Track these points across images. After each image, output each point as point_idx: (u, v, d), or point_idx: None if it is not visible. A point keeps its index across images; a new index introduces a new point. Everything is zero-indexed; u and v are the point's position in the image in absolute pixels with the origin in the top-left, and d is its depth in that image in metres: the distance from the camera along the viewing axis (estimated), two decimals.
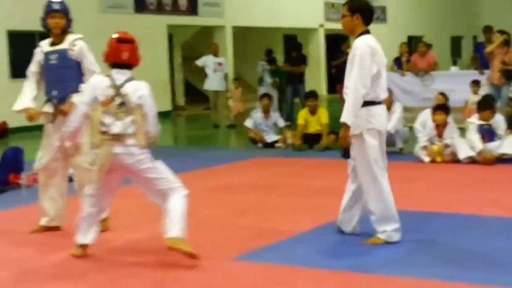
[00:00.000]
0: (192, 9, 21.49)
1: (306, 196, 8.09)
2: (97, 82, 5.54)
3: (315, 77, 25.38)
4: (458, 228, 6.31)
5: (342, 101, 17.42)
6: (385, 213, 5.78)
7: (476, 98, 12.55)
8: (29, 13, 16.86)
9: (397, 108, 11.21)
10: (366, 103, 5.59)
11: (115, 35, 5.56)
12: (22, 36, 17.03)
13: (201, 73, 17.59)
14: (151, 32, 19.62)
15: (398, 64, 15.92)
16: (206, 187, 8.65)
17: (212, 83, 16.68)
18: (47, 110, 6.46)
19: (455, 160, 10.00)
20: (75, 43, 6.51)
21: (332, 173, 9.51)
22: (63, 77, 6.45)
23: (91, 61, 6.48)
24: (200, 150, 12.74)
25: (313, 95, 12.49)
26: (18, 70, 16.91)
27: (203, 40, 21.76)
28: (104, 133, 5.38)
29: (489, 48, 13.30)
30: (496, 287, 4.73)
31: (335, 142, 11.95)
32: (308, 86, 17.37)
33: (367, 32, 5.77)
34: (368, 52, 5.58)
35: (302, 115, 12.31)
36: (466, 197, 7.79)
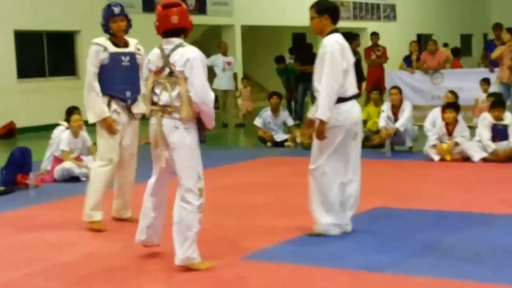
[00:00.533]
0: (201, 8, 21.46)
1: None
2: (150, 55, 5.33)
3: None
4: (468, 227, 6.27)
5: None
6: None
7: (485, 96, 12.49)
8: (36, 13, 16.91)
9: (407, 107, 11.18)
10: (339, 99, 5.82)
11: (160, 3, 5.30)
12: (29, 36, 17.07)
13: (210, 72, 17.54)
14: None
15: (408, 62, 15.86)
16: (216, 186, 8.61)
17: (221, 83, 16.64)
18: (119, 110, 6.59)
19: (465, 158, 9.95)
20: (138, 47, 6.74)
21: None
22: (135, 79, 6.60)
23: None
24: (209, 149, 12.69)
25: None
26: (25, 70, 16.96)
27: (212, 39, 21.73)
28: (154, 104, 5.23)
29: (494, 55, 13.22)
30: (506, 286, 4.70)
31: None
32: None
33: (335, 31, 5.98)
34: (338, 49, 5.79)
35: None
36: (476, 195, 7.75)
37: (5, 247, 6.19)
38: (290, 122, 12.77)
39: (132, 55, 6.63)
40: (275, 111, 12.74)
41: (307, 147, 11.89)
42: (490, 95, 11.38)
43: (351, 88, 5.91)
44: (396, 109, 11.08)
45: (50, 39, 17.53)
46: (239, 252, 5.63)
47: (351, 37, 17.08)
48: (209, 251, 5.40)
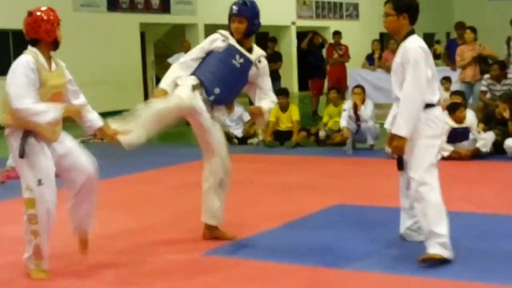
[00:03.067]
0: (164, 7, 21.44)
1: (276, 192, 8.13)
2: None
3: (287, 74, 25.39)
4: None
5: (316, 96, 17.44)
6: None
7: (447, 95, 12.67)
8: (2, 11, 16.76)
9: (368, 105, 11.29)
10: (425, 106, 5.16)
11: None
12: None
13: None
14: (124, 30, 19.55)
15: (370, 61, 16.04)
16: (178, 183, 8.67)
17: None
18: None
19: None
20: (261, 60, 6.03)
21: (303, 170, 9.59)
22: (235, 85, 5.98)
23: (269, 85, 6.13)
24: (172, 147, 12.73)
25: (284, 92, 12.48)
26: None
27: (175, 38, 21.71)
28: None
29: (461, 64, 13.32)
30: (462, 282, 4.82)
31: (306, 138, 12.06)
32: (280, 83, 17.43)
33: (412, 32, 5.30)
34: (423, 56, 5.12)
35: (273, 112, 12.29)
36: None
37: None
38: (246, 117, 12.58)
39: (248, 61, 5.89)
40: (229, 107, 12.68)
41: (269, 145, 12.04)
42: (454, 93, 11.50)
43: (438, 93, 5.32)
44: (357, 108, 11.20)
45: (16, 38, 17.37)
46: (200, 248, 5.69)
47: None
48: (171, 248, 5.46)
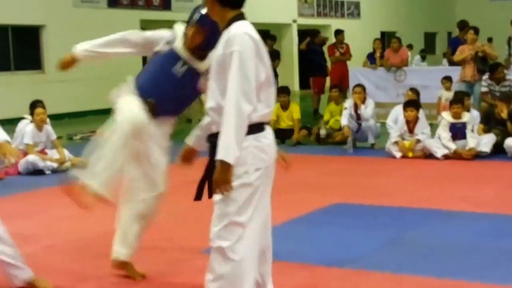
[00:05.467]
0: (165, 4, 21.42)
1: (277, 190, 8.07)
2: None
3: (288, 73, 25.42)
4: (428, 223, 6.37)
5: (317, 94, 17.44)
6: None
7: (448, 94, 12.66)
8: (1, 7, 16.74)
9: (369, 104, 11.31)
10: (253, 128, 3.60)
11: None
12: None
13: None
14: (124, 27, 19.09)
15: (371, 59, 16.02)
16: (178, 181, 8.66)
17: None
18: None
19: (426, 155, 10.10)
20: None
21: (303, 168, 9.57)
22: (178, 97, 5.21)
23: None
24: (172, 144, 12.71)
25: (285, 90, 12.50)
26: None
27: None
28: None
29: (458, 58, 13.37)
30: (464, 282, 4.81)
31: (307, 137, 12.06)
32: (281, 81, 17.42)
33: (240, 17, 3.69)
34: (252, 48, 3.54)
35: (274, 111, 12.26)
36: (437, 192, 7.86)
37: None
38: None
39: (193, 72, 4.90)
40: None
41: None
42: (457, 93, 11.55)
43: (270, 108, 3.78)
44: (358, 107, 11.20)
45: (16, 33, 17.38)
46: (200, 246, 5.68)
47: (314, 34, 17.34)
48: (171, 245, 5.45)
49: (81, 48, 5.02)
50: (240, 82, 3.48)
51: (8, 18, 16.82)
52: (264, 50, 3.63)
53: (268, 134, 3.75)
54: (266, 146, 3.70)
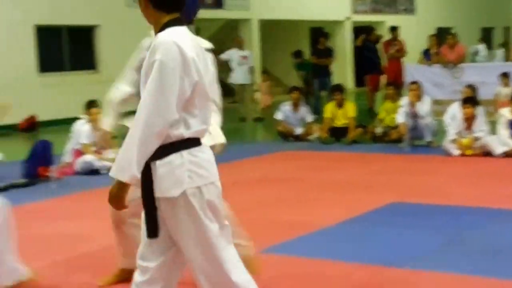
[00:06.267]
0: (218, 3, 21.49)
1: (333, 189, 8.06)
2: None
3: (342, 71, 25.27)
4: (487, 223, 6.24)
5: (372, 92, 17.38)
6: None
7: (507, 91, 12.41)
8: (56, 8, 17.01)
9: (426, 101, 11.17)
10: (186, 143, 3.20)
11: None
12: (49, 31, 17.17)
13: (227, 67, 17.61)
14: None
15: (427, 56, 15.81)
16: (233, 180, 8.66)
17: (238, 77, 16.67)
18: None
19: (485, 153, 9.91)
20: None
21: (359, 167, 9.48)
22: None
23: None
24: (227, 143, 12.74)
25: (339, 88, 12.46)
26: (45, 64, 17.09)
27: (229, 34, 21.75)
28: None
29: None
30: None
31: (362, 135, 11.96)
32: (335, 79, 17.33)
33: (176, 22, 3.33)
34: (177, 60, 3.14)
35: (329, 109, 12.29)
36: (496, 190, 7.70)
37: (27, 238, 6.25)
38: (309, 118, 12.69)
39: None
40: (295, 106, 12.73)
41: (324, 142, 11.98)
42: None
43: (206, 125, 3.30)
44: (414, 104, 11.06)
45: (70, 34, 17.63)
46: (257, 246, 5.66)
47: (369, 31, 17.20)
48: None
49: (108, 124, 5.00)
50: (155, 94, 3.08)
51: (62, 19, 17.07)
52: (195, 62, 3.17)
53: (205, 149, 3.27)
54: (204, 161, 3.23)
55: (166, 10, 3.32)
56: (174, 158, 3.14)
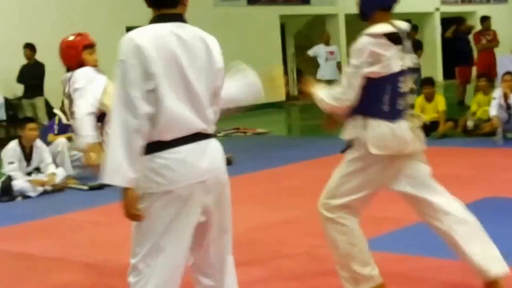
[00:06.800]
0: None
1: None
2: None
3: (431, 63, 24.79)
4: None
5: (463, 84, 17.01)
6: None
7: None
8: (146, 9, 17.34)
9: None
10: (148, 147, 3.15)
11: None
12: None
13: (314, 62, 17.56)
14: (264, 23, 19.75)
15: None
16: (319, 176, 8.60)
17: (325, 72, 16.60)
18: None
19: None
20: None
21: (450, 161, 9.28)
22: None
23: None
24: (314, 140, 12.71)
25: (429, 82, 12.26)
26: None
27: (315, 29, 21.69)
28: None
29: None
30: None
31: (453, 129, 11.72)
32: (424, 72, 17.01)
33: (160, 18, 3.34)
34: (134, 56, 3.11)
35: (418, 103, 12.07)
36: None
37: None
38: None
39: None
40: None
41: None
42: None
43: (184, 122, 3.17)
44: (508, 96, 10.77)
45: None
46: None
47: (458, 22, 16.83)
48: (315, 242, 5.41)
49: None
50: (120, 92, 3.07)
51: (145, 21, 17.37)
52: (156, 57, 3.10)
53: (180, 151, 3.14)
54: (162, 167, 3.11)
55: (155, 6, 3.36)
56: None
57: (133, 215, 3.13)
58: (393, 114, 4.20)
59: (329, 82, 16.62)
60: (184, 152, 3.14)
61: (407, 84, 4.27)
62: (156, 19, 3.29)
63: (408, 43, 4.30)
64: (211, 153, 3.23)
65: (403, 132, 4.22)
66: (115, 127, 3.08)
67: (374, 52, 4.14)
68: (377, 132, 4.17)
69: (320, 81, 17.02)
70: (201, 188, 3.19)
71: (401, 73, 4.20)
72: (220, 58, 3.39)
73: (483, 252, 4.37)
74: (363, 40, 4.21)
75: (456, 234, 4.38)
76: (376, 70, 4.12)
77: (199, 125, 3.18)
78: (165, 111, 3.09)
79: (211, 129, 3.25)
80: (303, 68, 23.12)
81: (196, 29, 3.34)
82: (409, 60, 4.28)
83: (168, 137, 3.12)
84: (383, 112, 4.18)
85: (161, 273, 3.17)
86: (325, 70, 16.60)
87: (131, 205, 3.11)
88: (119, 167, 3.05)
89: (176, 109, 3.11)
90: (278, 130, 15.10)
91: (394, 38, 4.19)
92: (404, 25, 4.32)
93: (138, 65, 3.07)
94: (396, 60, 4.16)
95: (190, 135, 3.16)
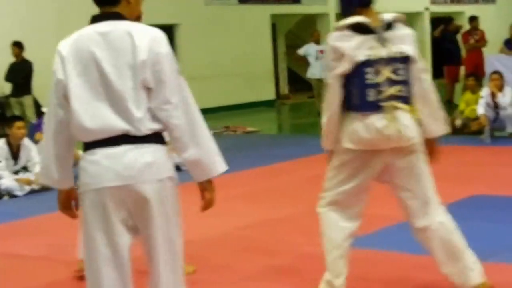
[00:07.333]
0: None
1: None
2: None
3: None
4: None
5: (451, 83, 17.06)
6: None
7: None
8: (147, 8, 17.36)
9: (508, 92, 10.94)
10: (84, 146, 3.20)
11: None
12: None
13: (305, 61, 17.61)
14: (255, 22, 19.76)
15: (508, 45, 15.45)
16: (309, 174, 8.68)
17: (315, 71, 16.65)
18: None
19: None
20: None
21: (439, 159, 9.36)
22: None
23: None
24: (304, 138, 12.77)
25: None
26: None
27: (306, 28, 21.72)
28: None
29: None
30: None
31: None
32: None
33: (94, 19, 3.22)
34: (57, 62, 3.17)
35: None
36: None
37: None
38: None
39: None
40: None
41: None
42: None
43: (97, 125, 3.08)
44: (496, 95, 10.85)
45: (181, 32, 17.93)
46: None
47: (447, 22, 16.92)
48: (308, 240, 5.46)
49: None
50: (49, 100, 3.23)
51: (151, 19, 17.37)
52: (73, 60, 3.09)
53: (97, 153, 3.08)
54: (81, 168, 3.14)
55: (96, 4, 3.23)
56: None
57: (66, 213, 3.32)
58: (365, 107, 4.05)
59: (319, 80, 16.69)
60: (99, 154, 3.06)
61: (380, 75, 4.05)
62: (91, 20, 3.21)
63: (390, 33, 4.11)
64: (126, 160, 3.05)
65: (377, 125, 4.05)
66: (46, 130, 3.22)
67: (335, 47, 4.09)
68: (350, 127, 4.12)
69: (310, 79, 17.16)
70: (116, 196, 3.06)
71: (368, 63, 4.02)
72: (146, 50, 3.17)
73: (458, 271, 4.38)
74: (328, 38, 4.18)
75: (431, 251, 4.43)
76: (346, 67, 4.03)
77: (120, 126, 3.04)
78: (73, 114, 3.06)
79: (139, 130, 3.06)
80: (294, 67, 23.20)
81: (130, 24, 3.21)
82: (390, 50, 4.08)
83: (87, 138, 3.09)
84: (354, 105, 4.09)
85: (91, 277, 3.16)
86: (316, 69, 16.65)
87: (61, 203, 3.31)
88: (48, 169, 3.22)
89: (88, 110, 3.05)
90: (268, 129, 15.15)
91: (359, 28, 4.07)
92: (388, 16, 4.17)
93: (55, 71, 3.13)
94: (361, 50, 4.01)
95: (111, 137, 3.05)
